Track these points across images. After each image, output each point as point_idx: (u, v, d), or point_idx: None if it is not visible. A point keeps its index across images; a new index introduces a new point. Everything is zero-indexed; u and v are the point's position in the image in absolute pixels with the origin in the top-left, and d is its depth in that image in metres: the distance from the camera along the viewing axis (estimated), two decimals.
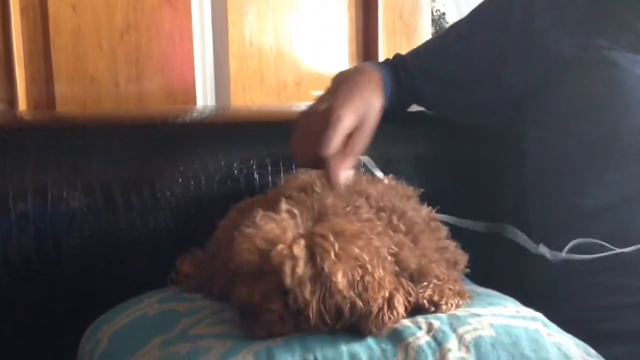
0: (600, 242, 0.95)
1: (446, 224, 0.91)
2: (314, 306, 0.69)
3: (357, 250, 0.70)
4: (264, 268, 0.71)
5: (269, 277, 0.71)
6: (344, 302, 0.69)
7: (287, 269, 0.69)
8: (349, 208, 0.77)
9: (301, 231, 0.71)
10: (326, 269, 0.68)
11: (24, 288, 0.97)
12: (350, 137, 0.87)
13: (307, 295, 0.68)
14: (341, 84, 0.94)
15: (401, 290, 0.73)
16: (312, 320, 0.69)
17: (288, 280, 0.69)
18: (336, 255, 0.69)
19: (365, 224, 0.75)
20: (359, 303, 0.69)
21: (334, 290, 0.69)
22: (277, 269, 0.69)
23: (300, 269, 0.69)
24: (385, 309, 0.70)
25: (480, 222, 1.07)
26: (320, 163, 0.86)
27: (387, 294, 0.71)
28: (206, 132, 1.09)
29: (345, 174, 0.85)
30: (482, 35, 1.08)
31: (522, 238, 1.03)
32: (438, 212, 0.91)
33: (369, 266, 0.70)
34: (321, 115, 0.87)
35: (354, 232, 0.72)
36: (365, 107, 0.91)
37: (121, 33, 1.49)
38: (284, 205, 0.74)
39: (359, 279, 0.69)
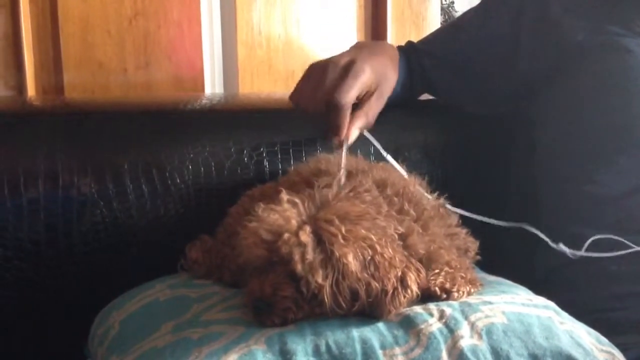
0: (618, 238, 0.93)
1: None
2: (327, 290, 0.69)
3: (364, 232, 0.70)
4: (272, 259, 0.71)
5: (278, 267, 0.71)
6: (359, 284, 0.69)
7: (297, 256, 0.69)
8: (351, 193, 0.77)
9: (305, 218, 0.71)
10: (336, 253, 0.68)
11: (34, 273, 0.97)
12: (364, 98, 0.86)
13: (320, 280, 0.68)
14: (363, 48, 0.94)
15: (412, 268, 0.73)
16: (327, 304, 0.69)
17: (299, 268, 0.69)
18: (344, 237, 0.69)
19: (369, 206, 0.75)
20: (374, 283, 0.69)
21: (347, 272, 0.69)
22: (287, 258, 0.69)
23: (310, 255, 0.69)
24: (400, 289, 0.70)
25: (498, 220, 1.02)
26: (328, 114, 0.84)
27: (399, 273, 0.71)
28: (216, 119, 1.09)
29: (355, 132, 0.84)
30: (495, 21, 1.07)
31: (542, 236, 0.97)
32: (447, 199, 0.91)
33: (377, 246, 0.70)
34: (342, 66, 0.87)
35: (358, 214, 0.72)
36: (384, 74, 0.90)
37: (129, 20, 1.49)
38: (284, 196, 0.73)
39: (369, 259, 0.70)
